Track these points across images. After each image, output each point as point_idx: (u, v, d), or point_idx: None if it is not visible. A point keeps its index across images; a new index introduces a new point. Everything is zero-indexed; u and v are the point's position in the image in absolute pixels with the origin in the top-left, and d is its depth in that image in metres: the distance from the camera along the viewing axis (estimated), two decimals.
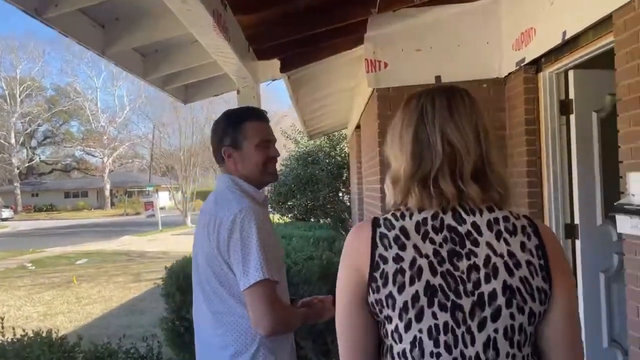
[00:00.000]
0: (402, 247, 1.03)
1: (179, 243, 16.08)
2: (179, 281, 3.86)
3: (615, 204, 2.23)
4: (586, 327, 3.14)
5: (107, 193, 44.08)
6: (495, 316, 1.00)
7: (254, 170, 1.75)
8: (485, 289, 1.01)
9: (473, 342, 0.99)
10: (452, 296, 1.00)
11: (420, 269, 1.01)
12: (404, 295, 1.00)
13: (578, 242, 3.16)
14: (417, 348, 1.00)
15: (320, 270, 3.92)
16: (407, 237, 1.04)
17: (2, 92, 42.43)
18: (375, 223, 1.08)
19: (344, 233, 9.87)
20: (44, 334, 2.75)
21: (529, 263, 1.03)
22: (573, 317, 1.08)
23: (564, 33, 2.75)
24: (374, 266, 1.03)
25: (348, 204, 10.09)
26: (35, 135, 49.11)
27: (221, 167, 1.81)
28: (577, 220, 3.17)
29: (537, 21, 3.05)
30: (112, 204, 44.36)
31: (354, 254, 1.08)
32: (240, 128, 1.74)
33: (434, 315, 0.99)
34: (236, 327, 1.64)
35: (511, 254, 1.03)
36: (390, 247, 1.03)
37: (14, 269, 12.85)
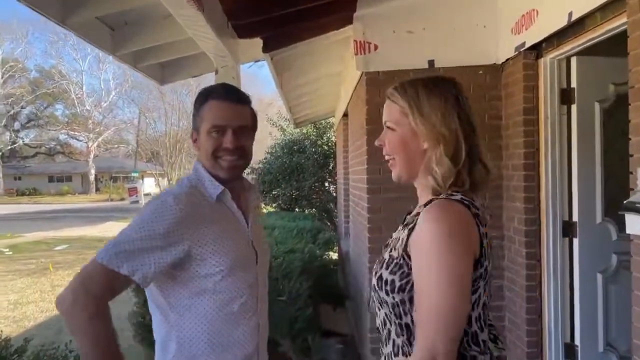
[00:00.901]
0: (484, 226, 1.23)
1: None
2: None
3: (625, 202, 2.02)
4: (582, 330, 2.97)
5: (92, 178, 43.41)
6: None
7: (205, 160, 1.50)
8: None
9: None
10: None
11: (490, 245, 1.24)
12: (489, 267, 1.22)
13: (576, 241, 2.98)
14: (479, 308, 1.22)
15: (301, 265, 3.70)
16: (482, 216, 1.23)
17: None
18: (464, 203, 1.20)
19: (329, 224, 9.66)
20: None
21: None
22: None
23: (570, 14, 2.52)
24: (482, 244, 1.19)
25: (334, 194, 9.88)
26: (18, 118, 48.05)
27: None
28: (575, 218, 2.98)
29: (540, 2, 2.82)
30: (97, 189, 43.73)
31: (469, 233, 1.18)
32: (201, 109, 1.50)
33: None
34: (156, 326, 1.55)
35: None
36: (482, 225, 1.21)
37: None
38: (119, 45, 3.00)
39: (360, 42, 3.41)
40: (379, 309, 1.27)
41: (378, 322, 1.31)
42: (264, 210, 9.69)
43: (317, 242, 5.51)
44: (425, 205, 1.22)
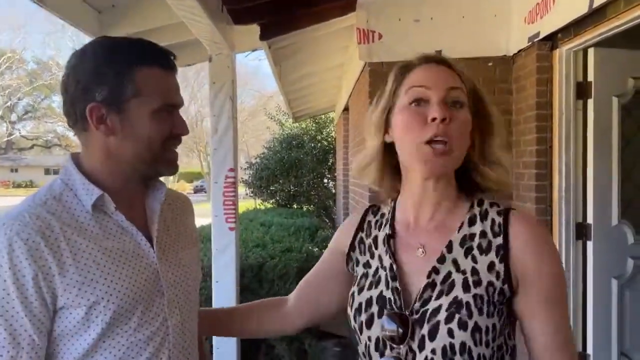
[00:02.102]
0: None
1: None
2: None
3: None
4: (594, 338, 2.80)
5: None
6: None
7: (141, 151, 1.03)
8: None
9: None
10: None
11: None
12: None
13: (590, 244, 2.81)
14: None
15: (298, 265, 3.53)
16: None
17: None
18: None
19: (327, 221, 9.49)
20: None
21: None
22: None
23: (592, 1, 2.34)
24: None
25: (333, 191, 9.71)
26: (15, 110, 47.70)
27: (80, 137, 1.07)
28: (590, 220, 2.81)
29: None
30: None
31: None
32: (131, 75, 0.99)
33: None
34: None
35: None
36: None
37: None
38: (106, 28, 2.79)
39: (363, 30, 3.23)
40: None
41: None
42: (261, 206, 9.51)
43: (315, 240, 5.34)
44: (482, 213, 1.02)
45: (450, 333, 0.90)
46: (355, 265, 1.11)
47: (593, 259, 2.79)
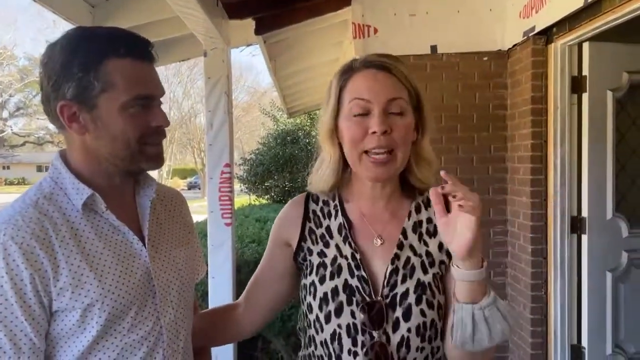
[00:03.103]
0: None
1: None
2: None
3: None
4: (589, 331, 2.82)
5: None
6: None
7: (118, 149, 0.98)
8: None
9: None
10: None
11: None
12: None
13: (585, 237, 2.82)
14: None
15: None
16: None
17: None
18: None
19: None
20: None
21: None
22: None
23: None
24: None
25: None
26: (7, 106, 47.26)
27: (62, 135, 1.05)
28: (584, 213, 2.82)
29: None
30: None
31: None
32: (99, 68, 0.94)
33: None
34: None
35: None
36: None
37: None
38: (99, 23, 2.76)
39: (358, 25, 3.22)
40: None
41: None
42: (256, 202, 9.50)
43: None
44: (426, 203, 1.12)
45: (423, 313, 1.02)
46: (308, 255, 1.11)
47: (588, 252, 2.81)
